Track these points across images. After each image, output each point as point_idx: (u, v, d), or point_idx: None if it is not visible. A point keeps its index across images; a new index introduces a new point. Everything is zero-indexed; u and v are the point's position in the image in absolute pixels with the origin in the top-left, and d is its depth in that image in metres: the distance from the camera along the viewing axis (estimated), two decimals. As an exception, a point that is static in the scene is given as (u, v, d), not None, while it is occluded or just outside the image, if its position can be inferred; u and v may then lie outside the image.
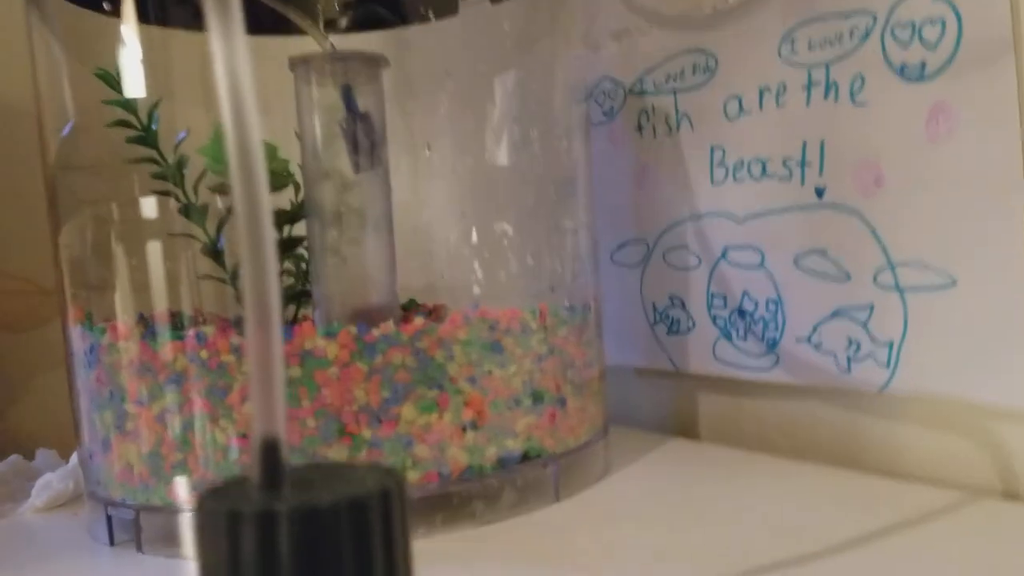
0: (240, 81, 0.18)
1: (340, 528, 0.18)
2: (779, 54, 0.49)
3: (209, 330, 0.39)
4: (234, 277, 0.48)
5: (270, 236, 0.18)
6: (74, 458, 0.52)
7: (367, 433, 0.39)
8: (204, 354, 0.39)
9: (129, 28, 0.43)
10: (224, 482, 0.19)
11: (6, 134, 0.67)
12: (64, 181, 0.47)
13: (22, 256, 0.68)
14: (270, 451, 0.19)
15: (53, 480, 0.49)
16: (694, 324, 0.56)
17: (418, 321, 0.40)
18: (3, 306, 0.69)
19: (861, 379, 0.46)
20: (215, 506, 0.18)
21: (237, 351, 0.39)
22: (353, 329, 0.39)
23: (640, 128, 0.58)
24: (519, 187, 0.50)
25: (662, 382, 0.60)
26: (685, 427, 0.59)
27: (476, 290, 0.49)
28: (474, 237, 0.49)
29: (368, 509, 0.18)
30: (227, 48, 0.18)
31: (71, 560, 0.41)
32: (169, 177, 0.46)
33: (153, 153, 0.46)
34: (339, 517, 0.18)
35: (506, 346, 0.42)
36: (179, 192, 0.46)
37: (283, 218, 0.51)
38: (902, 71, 0.43)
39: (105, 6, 0.42)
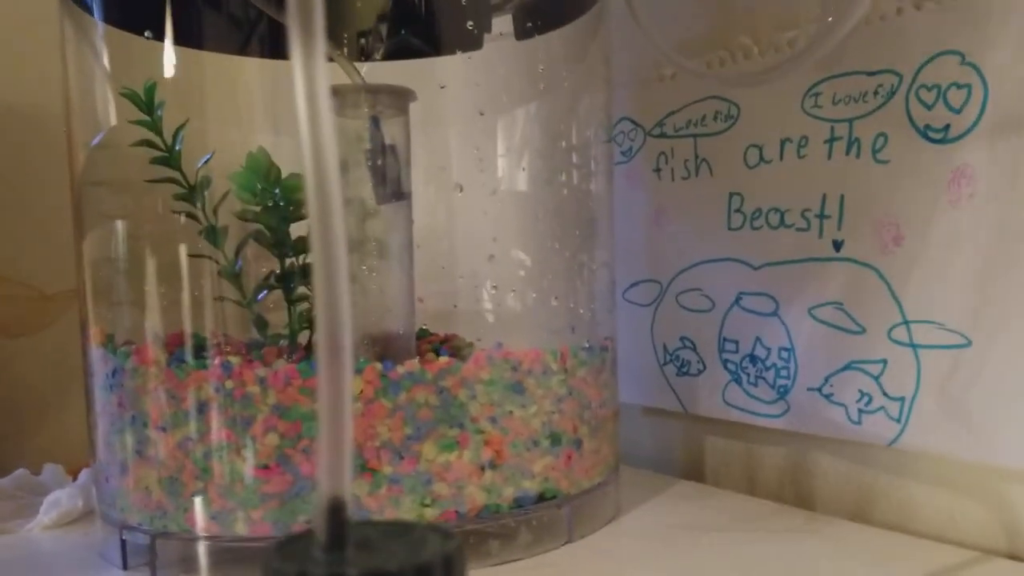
0: (320, 111, 0.19)
1: (407, 594, 0.18)
2: (802, 107, 0.49)
3: (235, 360, 0.39)
4: (251, 300, 0.48)
5: (347, 305, 0.19)
6: (83, 475, 0.52)
7: (388, 469, 0.39)
8: (229, 384, 0.39)
9: (163, 49, 0.44)
10: (288, 539, 0.20)
11: (13, 142, 0.68)
12: (89, 195, 0.47)
13: (23, 261, 0.68)
14: (336, 511, 0.19)
15: (62, 497, 0.49)
16: (704, 367, 0.56)
17: (442, 360, 0.41)
18: (1, 310, 0.69)
19: (871, 432, 0.47)
20: (283, 567, 0.18)
21: (262, 382, 0.39)
22: (379, 366, 0.39)
23: (658, 170, 0.58)
24: (542, 224, 0.51)
25: (669, 422, 0.61)
26: (691, 468, 0.59)
27: (490, 318, 0.50)
28: (495, 271, 0.50)
29: (432, 575, 0.18)
30: (308, 74, 0.18)
31: (83, 582, 0.41)
32: (191, 199, 0.46)
33: (176, 174, 0.46)
34: (406, 583, 0.18)
35: (527, 387, 0.42)
36: (200, 214, 0.47)
37: (305, 244, 0.51)
38: (926, 132, 0.44)
39: (146, 35, 0.43)
